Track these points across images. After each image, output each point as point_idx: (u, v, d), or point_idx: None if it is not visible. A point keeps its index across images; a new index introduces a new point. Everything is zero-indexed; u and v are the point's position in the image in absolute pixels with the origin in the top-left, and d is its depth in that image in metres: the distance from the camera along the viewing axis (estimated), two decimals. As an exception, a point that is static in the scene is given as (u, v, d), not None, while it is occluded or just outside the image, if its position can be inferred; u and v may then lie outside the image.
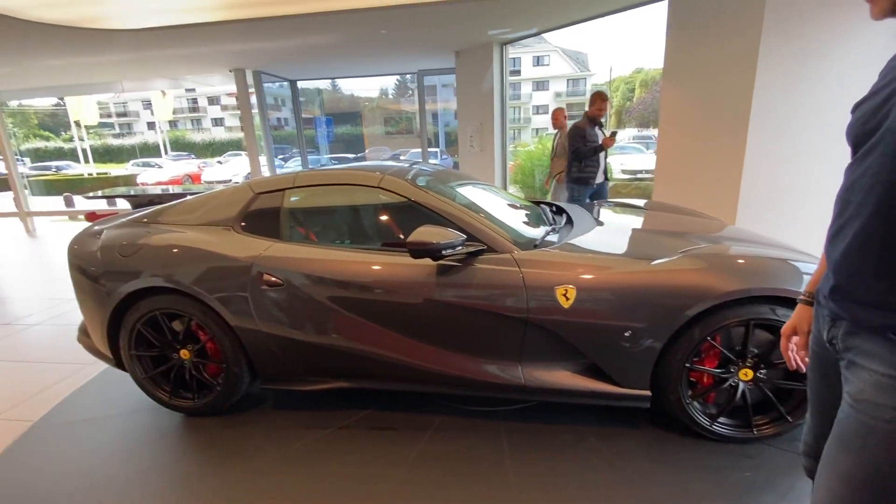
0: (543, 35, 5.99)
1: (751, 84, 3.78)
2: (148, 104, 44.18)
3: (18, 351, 3.31)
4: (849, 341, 0.91)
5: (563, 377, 1.97)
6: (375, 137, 18.35)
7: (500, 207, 2.43)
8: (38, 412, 2.45)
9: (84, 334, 2.49)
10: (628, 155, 15.15)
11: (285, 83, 8.71)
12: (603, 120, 4.60)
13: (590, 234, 2.24)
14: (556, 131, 5.25)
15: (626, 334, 1.84)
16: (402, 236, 2.14)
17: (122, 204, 6.69)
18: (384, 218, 2.34)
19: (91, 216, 5.41)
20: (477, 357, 2.03)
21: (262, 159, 8.22)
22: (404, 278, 1.99)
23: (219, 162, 21.21)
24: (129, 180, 18.51)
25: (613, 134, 4.38)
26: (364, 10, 4.75)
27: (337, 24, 5.18)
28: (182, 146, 33.81)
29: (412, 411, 2.29)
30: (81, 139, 25.05)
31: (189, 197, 2.55)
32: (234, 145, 36.74)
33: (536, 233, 2.27)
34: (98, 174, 21.56)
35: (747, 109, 3.81)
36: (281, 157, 8.63)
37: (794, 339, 1.16)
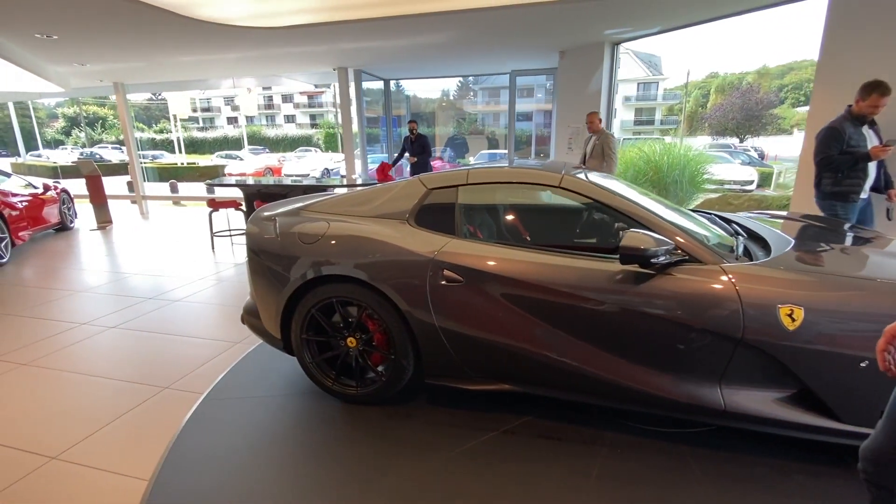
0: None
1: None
2: (229, 100, 47.47)
3: (170, 324, 3.56)
4: None
5: (771, 405, 1.79)
6: (443, 139, 18.44)
7: (678, 214, 2.29)
8: (205, 386, 2.60)
9: (251, 315, 2.61)
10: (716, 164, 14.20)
11: (380, 81, 8.93)
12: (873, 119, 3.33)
13: (793, 249, 2.04)
14: (590, 135, 5.58)
15: (862, 365, 1.64)
16: (591, 239, 2.06)
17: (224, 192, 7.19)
18: (564, 218, 2.27)
19: (212, 203, 5.77)
20: (668, 374, 1.90)
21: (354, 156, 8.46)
22: (594, 283, 1.91)
23: (297, 157, 22.21)
24: (216, 171, 19.83)
25: (889, 144, 3.20)
26: (479, 9, 4.74)
27: (448, 24, 5.21)
28: (257, 141, 35.86)
29: (576, 423, 2.19)
30: (169, 131, 27.13)
31: (354, 189, 2.60)
32: (304, 141, 38.55)
33: (731, 242, 2.11)
34: (188, 164, 23.34)
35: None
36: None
37: None
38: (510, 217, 2.38)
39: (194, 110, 45.71)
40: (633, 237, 1.76)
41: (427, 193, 2.31)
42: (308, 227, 2.34)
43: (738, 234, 2.33)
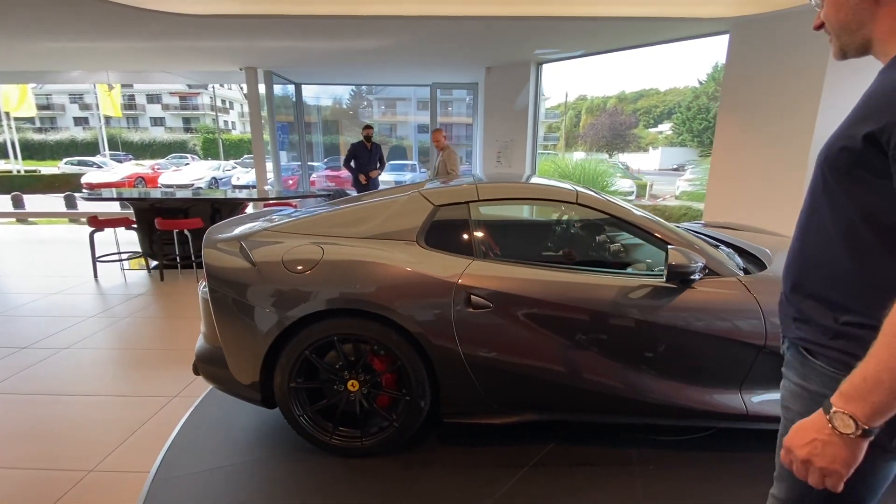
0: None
1: (812, 122, 4.06)
2: (77, 97, 40.31)
3: (66, 381, 2.75)
4: (787, 352, 0.96)
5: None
6: (346, 147, 17.82)
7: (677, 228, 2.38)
8: (146, 463, 2.03)
9: (209, 363, 2.10)
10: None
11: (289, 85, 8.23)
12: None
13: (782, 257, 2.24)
14: (438, 152, 5.69)
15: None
16: (603, 254, 2.02)
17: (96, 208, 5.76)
18: (584, 235, 2.21)
19: (94, 221, 4.75)
20: (696, 385, 1.94)
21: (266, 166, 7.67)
22: (628, 300, 1.88)
23: (176, 167, 19.60)
24: (69, 180, 16.56)
25: None
26: (411, 17, 4.59)
27: (380, 30, 4.98)
28: (117, 146, 31.03)
29: (599, 444, 2.14)
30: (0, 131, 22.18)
31: (335, 208, 2.25)
32: (177, 147, 34.33)
33: (730, 253, 2.24)
34: (27, 172, 19.08)
35: (808, 144, 4.08)
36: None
37: None
38: (525, 233, 2.27)
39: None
40: (678, 255, 1.76)
41: (435, 211, 2.08)
42: (297, 254, 1.96)
43: (718, 246, 2.50)
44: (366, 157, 6.41)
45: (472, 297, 1.88)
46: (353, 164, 6.38)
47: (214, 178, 16.58)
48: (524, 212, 2.69)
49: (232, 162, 22.49)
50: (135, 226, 5.10)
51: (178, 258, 5.03)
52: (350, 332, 1.91)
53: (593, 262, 2.08)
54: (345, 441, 2.02)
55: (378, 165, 6.48)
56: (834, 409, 0.71)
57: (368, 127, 6.44)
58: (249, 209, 5.91)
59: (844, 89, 3.90)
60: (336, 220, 2.15)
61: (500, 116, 6.53)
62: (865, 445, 0.71)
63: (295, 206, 6.29)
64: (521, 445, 2.12)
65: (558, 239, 2.24)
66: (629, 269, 2.19)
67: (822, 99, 3.95)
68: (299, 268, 1.91)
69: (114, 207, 8.74)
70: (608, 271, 1.96)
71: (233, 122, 49.15)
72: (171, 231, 4.82)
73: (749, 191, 4.47)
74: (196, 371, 2.16)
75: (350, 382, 1.99)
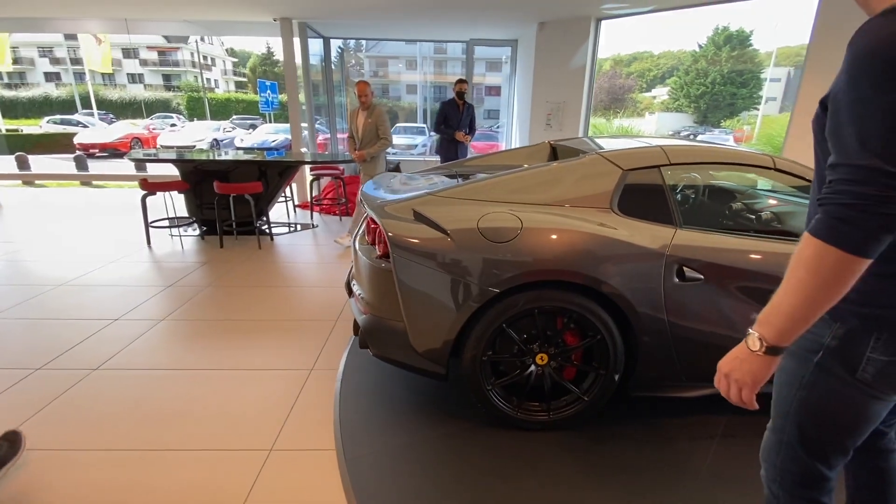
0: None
1: None
2: (46, 51, 37.61)
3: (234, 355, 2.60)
4: None
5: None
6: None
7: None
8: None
9: (381, 336, 1.98)
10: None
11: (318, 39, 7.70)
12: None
13: None
14: (357, 110, 4.49)
15: None
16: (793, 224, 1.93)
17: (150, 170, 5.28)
18: (781, 204, 2.10)
19: (146, 184, 4.48)
20: None
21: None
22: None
23: (172, 126, 18.67)
24: (58, 140, 15.63)
25: None
26: None
27: None
28: (93, 103, 29.35)
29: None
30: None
31: (508, 174, 2.08)
32: (160, 106, 32.59)
33: None
34: (8, 131, 17.90)
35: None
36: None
37: None
38: (721, 201, 2.15)
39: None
40: None
41: (624, 175, 1.95)
42: (494, 222, 1.81)
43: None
44: (456, 120, 5.40)
45: (684, 268, 1.79)
46: (443, 127, 5.48)
47: (216, 139, 15.85)
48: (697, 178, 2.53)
49: (229, 122, 21.50)
50: (185, 190, 4.81)
51: (233, 224, 4.80)
52: (554, 305, 1.81)
53: (791, 231, 1.99)
54: (530, 415, 1.96)
55: (468, 130, 5.53)
56: (749, 331, 0.86)
57: (462, 81, 5.38)
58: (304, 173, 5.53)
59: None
60: (514, 186, 1.99)
61: (552, 77, 6.24)
62: (773, 363, 0.84)
63: (342, 170, 6.05)
64: (701, 415, 2.09)
65: (747, 207, 2.14)
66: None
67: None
68: (500, 237, 1.78)
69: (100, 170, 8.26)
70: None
71: (216, 80, 46.75)
72: (227, 196, 4.57)
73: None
74: (364, 345, 2.05)
75: (539, 356, 1.90)
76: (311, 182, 5.99)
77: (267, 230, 4.95)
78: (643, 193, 1.93)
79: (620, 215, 1.89)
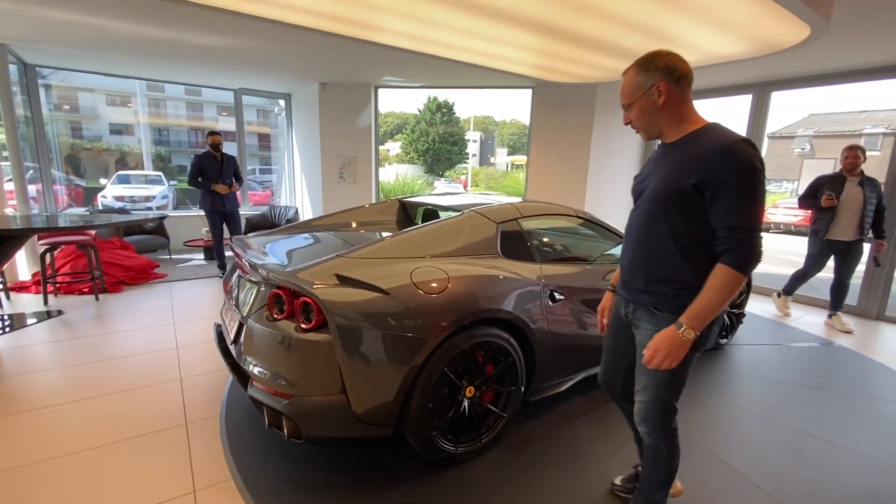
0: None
1: (586, 155, 6.06)
2: None
3: None
4: (634, 314, 1.54)
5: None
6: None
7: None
8: None
9: (317, 417, 1.83)
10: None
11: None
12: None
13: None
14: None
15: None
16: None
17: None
18: (584, 238, 2.97)
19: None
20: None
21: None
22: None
23: None
24: None
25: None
26: (253, 17, 3.92)
27: (211, 24, 4.17)
28: None
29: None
30: None
31: (405, 233, 2.28)
32: None
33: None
34: None
35: (584, 170, 6.06)
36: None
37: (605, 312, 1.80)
38: (562, 240, 2.89)
39: None
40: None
41: (498, 227, 2.45)
42: (426, 275, 1.99)
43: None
44: (216, 171, 5.15)
45: (553, 292, 2.38)
46: (200, 180, 5.14)
47: None
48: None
49: None
50: None
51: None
52: (482, 341, 2.10)
53: (587, 258, 2.88)
54: (468, 447, 2.16)
55: (233, 181, 5.31)
56: (684, 326, 1.32)
57: (214, 133, 5.12)
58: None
59: (601, 143, 6.01)
60: (417, 242, 2.23)
61: (339, 133, 6.56)
62: (690, 345, 1.34)
63: (94, 235, 4.67)
64: (568, 403, 2.72)
65: (568, 243, 2.96)
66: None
67: (590, 151, 5.95)
68: (434, 286, 1.97)
69: None
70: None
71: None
72: None
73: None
74: (293, 434, 1.83)
75: (467, 389, 2.15)
76: (43, 254, 4.44)
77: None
78: (513, 240, 2.48)
79: (504, 259, 2.37)
